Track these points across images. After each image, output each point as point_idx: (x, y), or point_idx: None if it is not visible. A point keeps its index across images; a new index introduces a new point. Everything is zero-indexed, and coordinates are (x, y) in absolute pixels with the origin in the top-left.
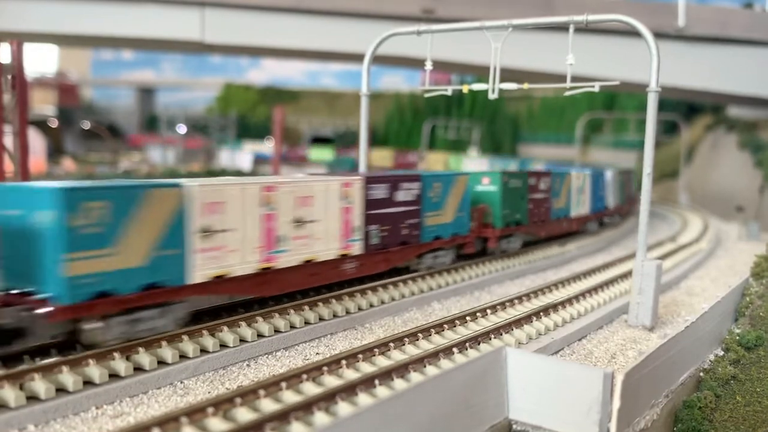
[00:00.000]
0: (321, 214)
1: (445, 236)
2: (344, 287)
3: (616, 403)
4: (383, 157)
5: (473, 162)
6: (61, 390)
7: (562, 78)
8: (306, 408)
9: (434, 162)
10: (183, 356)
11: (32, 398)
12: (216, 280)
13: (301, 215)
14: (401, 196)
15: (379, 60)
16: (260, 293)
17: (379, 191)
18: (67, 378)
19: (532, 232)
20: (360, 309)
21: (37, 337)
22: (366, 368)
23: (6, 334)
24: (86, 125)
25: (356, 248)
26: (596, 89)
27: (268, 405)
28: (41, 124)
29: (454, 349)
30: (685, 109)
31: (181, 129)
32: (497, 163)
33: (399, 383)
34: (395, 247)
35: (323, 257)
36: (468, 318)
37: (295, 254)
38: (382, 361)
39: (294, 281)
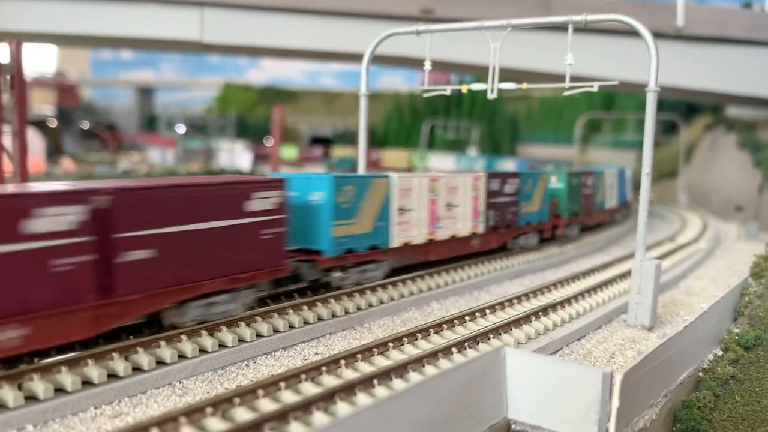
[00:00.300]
0: (461, 200)
1: (533, 222)
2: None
3: (615, 403)
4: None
5: (439, 159)
6: (59, 390)
7: (561, 78)
8: (305, 408)
9: (396, 159)
10: (182, 356)
11: (31, 398)
12: (403, 246)
13: (450, 201)
14: (507, 188)
15: (378, 60)
16: (425, 257)
17: (495, 185)
18: (66, 378)
19: (584, 221)
20: (359, 309)
21: (306, 280)
22: (365, 368)
23: (288, 278)
24: (85, 125)
25: (480, 228)
26: (595, 89)
27: (266, 405)
28: (40, 124)
29: (453, 349)
30: (684, 109)
31: (180, 129)
32: (463, 161)
33: (398, 383)
34: (503, 228)
35: (461, 234)
36: (467, 318)
37: (446, 230)
38: (380, 361)
39: (444, 251)
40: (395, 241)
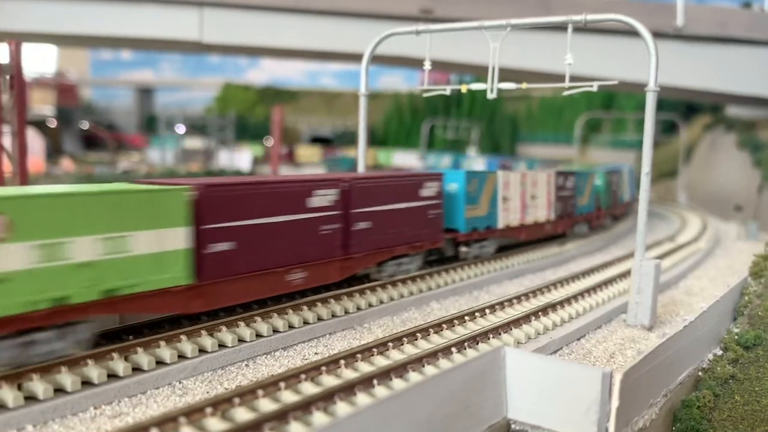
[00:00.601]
0: (540, 193)
1: (584, 213)
2: (343, 287)
3: (615, 403)
4: (312, 155)
5: (404, 157)
6: (59, 390)
7: (560, 78)
8: (304, 408)
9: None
10: (181, 356)
11: (30, 398)
12: (505, 228)
13: (533, 193)
14: (568, 184)
15: (377, 60)
16: (517, 238)
17: (561, 181)
18: (66, 378)
19: (612, 213)
20: (359, 309)
21: (445, 254)
22: (364, 368)
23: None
24: (85, 125)
25: (552, 216)
26: (595, 89)
27: (266, 405)
28: (40, 124)
29: (453, 349)
30: (683, 108)
31: (180, 129)
32: (431, 158)
33: (397, 383)
34: (566, 218)
35: (540, 220)
36: (467, 318)
37: (531, 216)
38: (380, 361)
39: (530, 233)
40: (501, 223)
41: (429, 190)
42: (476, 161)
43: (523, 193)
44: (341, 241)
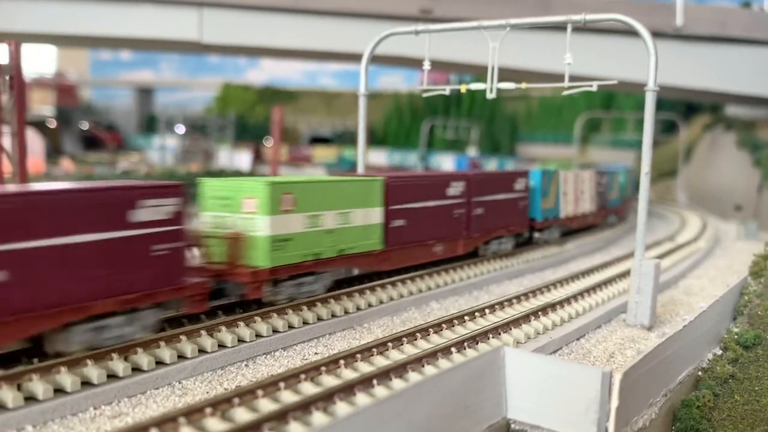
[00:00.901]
0: (586, 188)
1: (614, 207)
2: (343, 287)
3: (614, 403)
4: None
5: (373, 154)
6: (59, 390)
7: (560, 77)
8: (304, 408)
9: (325, 155)
10: (181, 356)
11: (30, 399)
12: (564, 218)
13: (582, 189)
14: (603, 181)
15: (377, 60)
16: (570, 226)
17: (599, 178)
18: (65, 378)
19: (630, 206)
20: (358, 309)
21: (523, 238)
22: (364, 368)
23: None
24: (85, 125)
25: (594, 209)
26: (594, 89)
27: (266, 405)
28: (40, 125)
29: (453, 349)
30: (683, 108)
31: (180, 129)
32: (396, 155)
33: (397, 383)
34: (603, 209)
35: (586, 212)
36: (466, 318)
37: (580, 209)
38: (380, 361)
39: (580, 223)
40: (562, 214)
41: (520, 184)
42: (444, 159)
43: (576, 189)
44: (465, 223)
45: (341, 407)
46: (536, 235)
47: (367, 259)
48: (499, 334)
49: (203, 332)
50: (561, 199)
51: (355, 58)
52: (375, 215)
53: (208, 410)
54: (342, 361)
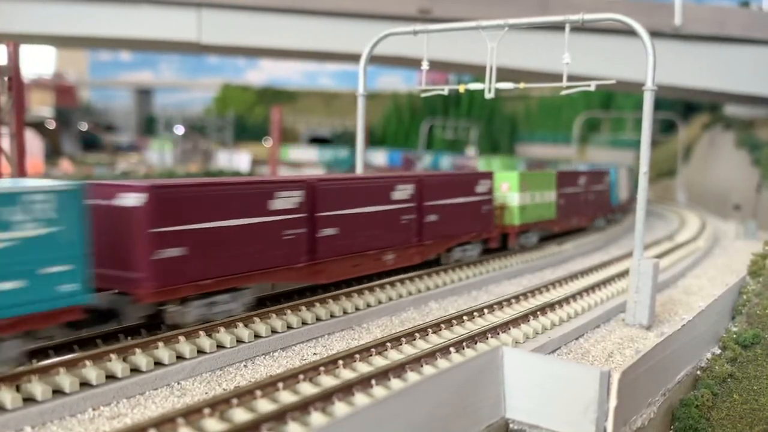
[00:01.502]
0: (623, 184)
1: (617, 203)
2: (342, 287)
3: (613, 402)
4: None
5: (301, 152)
6: (57, 391)
7: (558, 77)
8: (303, 408)
9: (261, 153)
10: (180, 357)
11: (29, 400)
12: (616, 205)
13: (622, 184)
14: (611, 179)
15: (376, 60)
16: (612, 213)
17: (605, 177)
18: (64, 379)
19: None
20: (357, 309)
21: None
22: (363, 368)
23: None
24: (84, 126)
25: (626, 199)
26: (592, 88)
27: (264, 405)
28: (39, 126)
29: (451, 349)
30: (682, 107)
31: (179, 130)
32: (327, 152)
33: (396, 383)
34: (612, 206)
35: (623, 203)
36: (465, 317)
37: (621, 198)
38: (379, 361)
39: (622, 210)
40: (617, 202)
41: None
42: (376, 155)
43: (624, 183)
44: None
45: (340, 407)
46: (609, 216)
47: (545, 225)
48: (498, 334)
49: (202, 333)
50: (616, 190)
51: (354, 58)
52: (552, 196)
53: (207, 411)
54: (341, 362)
